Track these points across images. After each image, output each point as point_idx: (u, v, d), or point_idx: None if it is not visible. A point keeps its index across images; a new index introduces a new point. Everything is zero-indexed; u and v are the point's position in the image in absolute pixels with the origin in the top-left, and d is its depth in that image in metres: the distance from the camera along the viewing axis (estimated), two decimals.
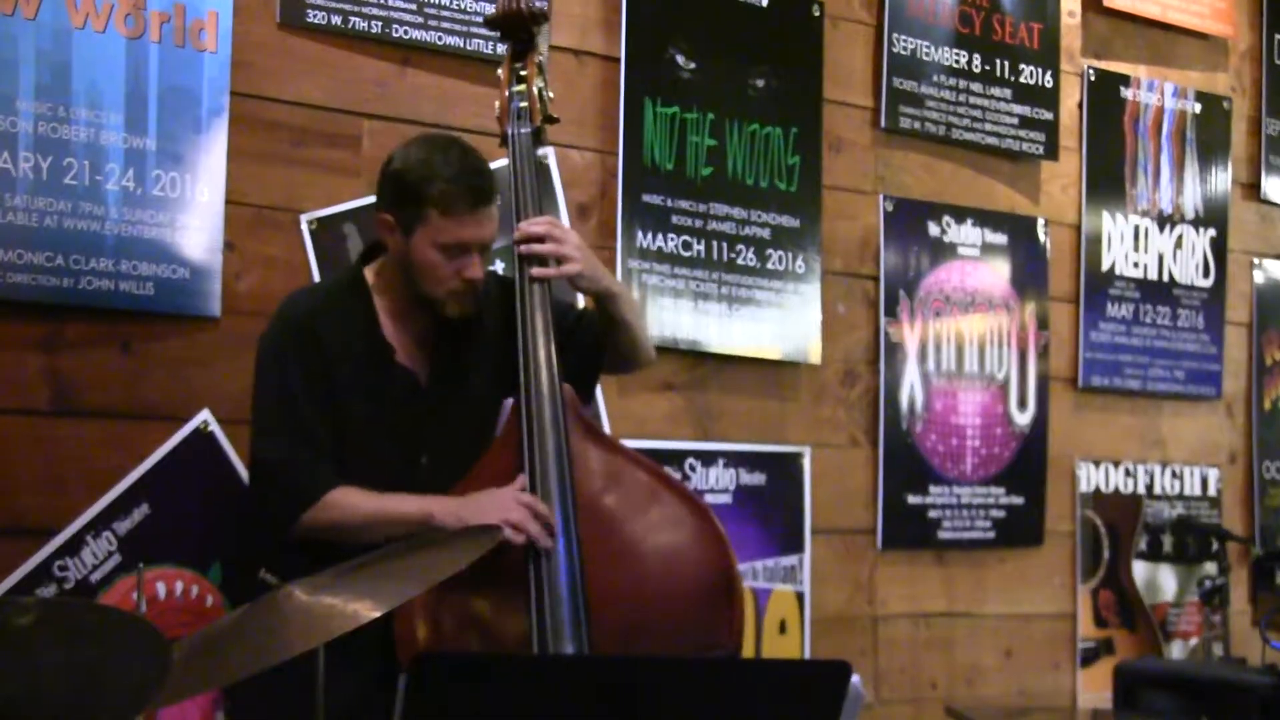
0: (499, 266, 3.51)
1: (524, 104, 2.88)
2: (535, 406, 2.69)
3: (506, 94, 2.90)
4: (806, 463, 4.04)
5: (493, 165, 2.79)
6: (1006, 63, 4.47)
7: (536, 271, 2.75)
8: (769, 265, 3.98)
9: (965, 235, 4.40)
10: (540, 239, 2.76)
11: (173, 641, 2.05)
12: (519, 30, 2.92)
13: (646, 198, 3.79)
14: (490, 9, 3.48)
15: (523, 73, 2.91)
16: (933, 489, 4.29)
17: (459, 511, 2.59)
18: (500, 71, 2.94)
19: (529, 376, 2.71)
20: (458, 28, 3.53)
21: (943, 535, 4.30)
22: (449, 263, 2.70)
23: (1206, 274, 4.93)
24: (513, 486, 2.63)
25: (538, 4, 2.93)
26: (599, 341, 2.92)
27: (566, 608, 2.57)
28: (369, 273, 2.83)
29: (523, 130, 2.87)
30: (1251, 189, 5.11)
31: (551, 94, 2.94)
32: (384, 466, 2.71)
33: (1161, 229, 4.83)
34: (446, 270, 2.70)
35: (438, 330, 2.80)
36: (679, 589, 2.68)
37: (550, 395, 2.70)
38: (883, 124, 4.23)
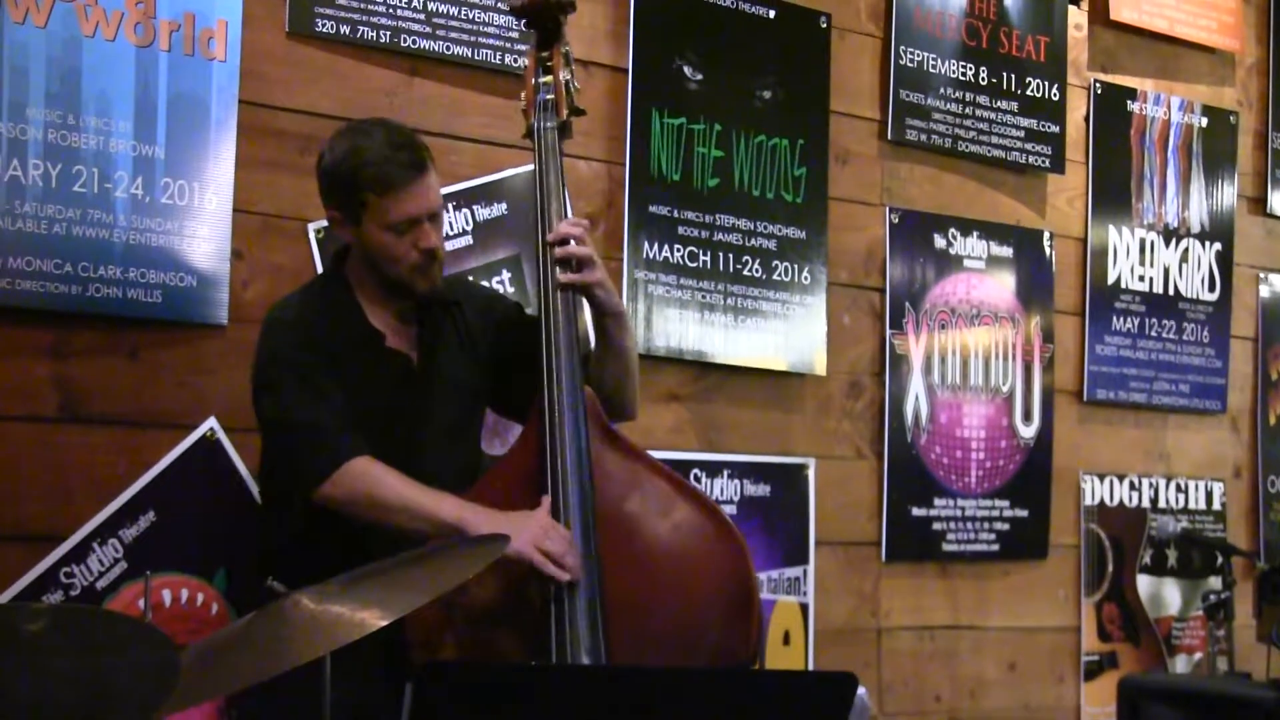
0: (505, 277, 3.52)
1: (550, 96, 2.84)
2: (557, 410, 2.67)
3: (532, 84, 2.85)
4: (811, 474, 4.04)
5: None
6: (1013, 76, 4.47)
7: (565, 277, 2.73)
8: (775, 276, 3.98)
9: (971, 248, 4.40)
10: (579, 240, 2.74)
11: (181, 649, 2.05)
12: (546, 18, 2.86)
13: (653, 208, 3.79)
14: (497, 18, 3.52)
15: (549, 63, 2.86)
16: (937, 501, 4.28)
17: (494, 526, 2.54)
18: (525, 61, 2.91)
19: (552, 379, 2.70)
20: (466, 37, 3.53)
21: (947, 547, 4.30)
22: (401, 239, 2.70)
23: (1212, 288, 4.94)
24: (541, 510, 2.60)
25: None
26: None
27: (584, 616, 2.57)
28: (346, 269, 2.83)
29: (548, 125, 2.83)
30: (1258, 203, 5.12)
31: (578, 85, 2.89)
32: (386, 450, 2.70)
33: (1167, 243, 4.83)
34: (402, 247, 2.70)
35: (419, 312, 2.81)
36: (696, 598, 2.67)
37: (572, 399, 2.68)
38: (889, 136, 4.24)
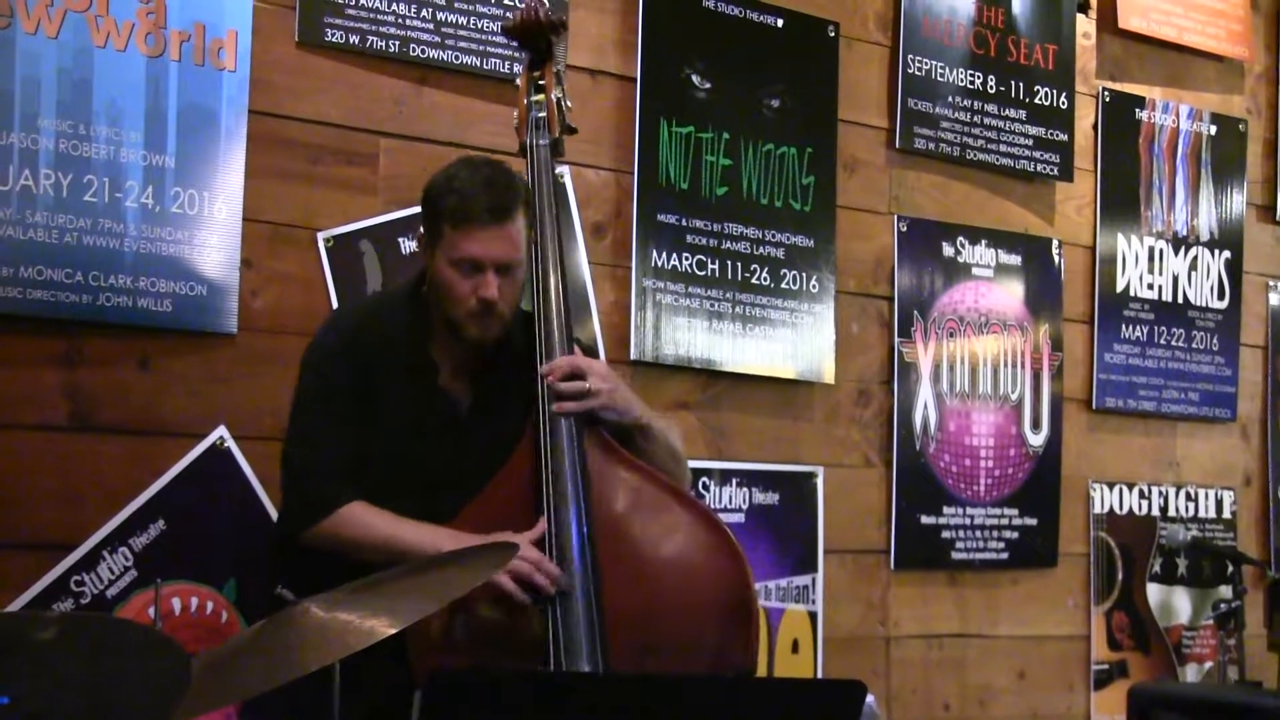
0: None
1: (542, 114, 2.86)
2: (551, 423, 2.67)
3: (525, 103, 2.88)
4: (820, 482, 4.04)
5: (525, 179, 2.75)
6: (1021, 84, 4.48)
7: (559, 407, 2.68)
8: (783, 285, 3.98)
9: (979, 256, 4.40)
10: (572, 374, 2.70)
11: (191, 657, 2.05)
12: (537, 39, 2.91)
13: (661, 217, 3.80)
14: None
15: (541, 82, 2.89)
16: (946, 509, 4.28)
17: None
18: (518, 81, 2.94)
19: (545, 396, 2.69)
20: (474, 47, 3.55)
21: (956, 556, 4.30)
22: (464, 280, 2.65)
23: (1221, 296, 4.93)
24: (533, 534, 2.60)
25: (556, 14, 2.91)
26: None
27: (583, 626, 2.57)
28: (426, 290, 2.79)
29: (541, 142, 2.85)
30: (1267, 211, 5.11)
31: (570, 104, 2.91)
32: (407, 489, 2.69)
33: (1176, 251, 4.83)
34: (462, 289, 2.66)
35: (480, 361, 2.78)
36: (695, 607, 2.66)
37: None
38: (897, 144, 4.24)
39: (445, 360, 2.76)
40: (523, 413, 2.75)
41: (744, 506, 3.90)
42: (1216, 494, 4.91)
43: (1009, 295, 4.46)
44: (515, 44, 3.00)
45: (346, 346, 2.72)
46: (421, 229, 2.77)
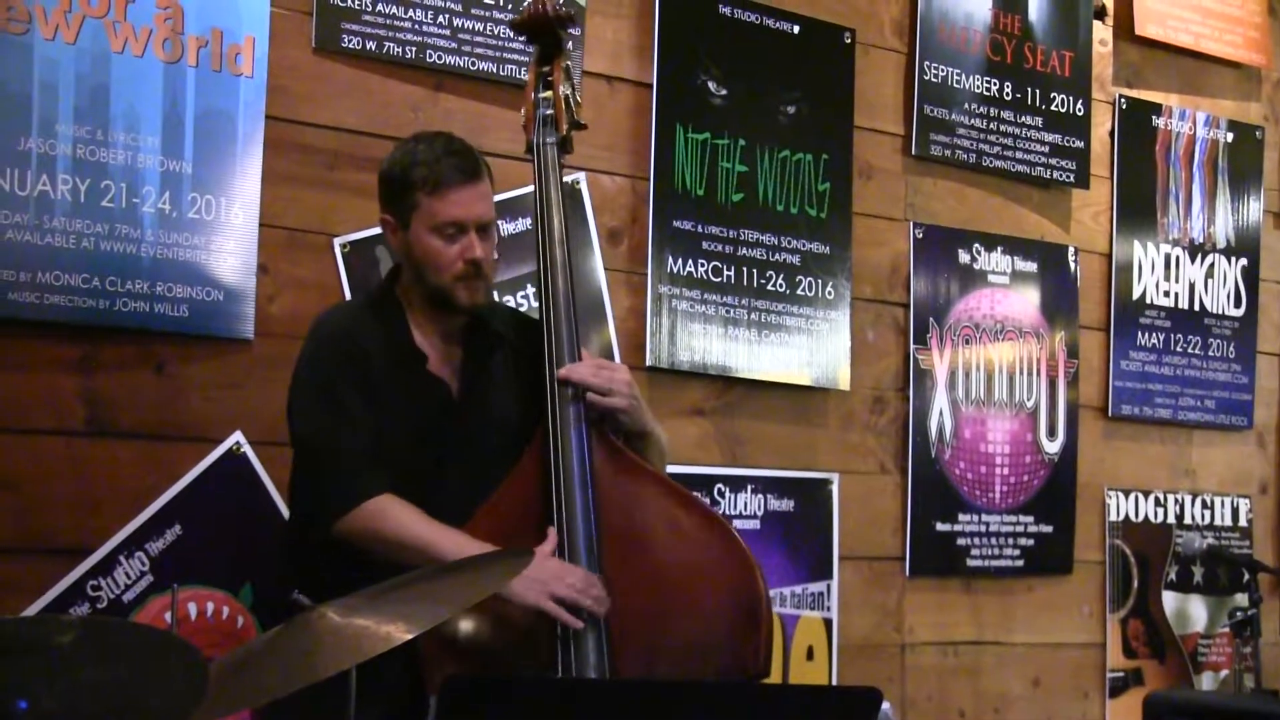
0: (529, 291, 3.52)
1: (550, 111, 2.85)
2: (560, 427, 2.68)
3: (532, 99, 2.86)
4: (835, 489, 4.04)
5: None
6: (1038, 91, 4.47)
7: (592, 399, 2.70)
8: (799, 291, 3.98)
9: (995, 263, 4.39)
10: (596, 389, 2.71)
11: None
12: (545, 33, 2.88)
13: (677, 223, 3.80)
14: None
15: (549, 77, 2.87)
16: (961, 517, 4.27)
17: None
18: (526, 76, 2.93)
19: (554, 396, 2.70)
20: (490, 53, 3.55)
21: (971, 563, 4.29)
22: (448, 246, 2.69)
23: (1238, 303, 4.92)
24: (547, 545, 2.60)
25: (565, 7, 2.88)
26: None
27: (590, 636, 2.57)
28: (398, 288, 2.82)
29: (548, 140, 2.84)
30: None
31: (580, 100, 2.90)
32: (409, 477, 2.68)
33: (1193, 258, 4.81)
34: (448, 255, 2.69)
35: (465, 344, 2.80)
36: (703, 610, 2.66)
37: (575, 418, 2.69)
38: (913, 151, 4.24)
39: (429, 347, 2.77)
40: (515, 390, 2.78)
41: (759, 513, 3.90)
42: (1232, 502, 4.89)
43: (1025, 302, 4.45)
44: (523, 39, 2.98)
45: (342, 344, 2.72)
46: (387, 214, 2.77)
